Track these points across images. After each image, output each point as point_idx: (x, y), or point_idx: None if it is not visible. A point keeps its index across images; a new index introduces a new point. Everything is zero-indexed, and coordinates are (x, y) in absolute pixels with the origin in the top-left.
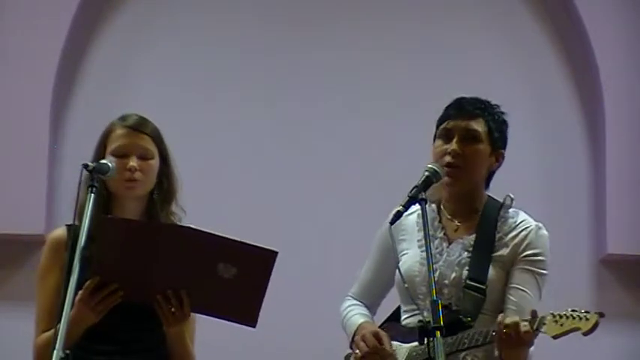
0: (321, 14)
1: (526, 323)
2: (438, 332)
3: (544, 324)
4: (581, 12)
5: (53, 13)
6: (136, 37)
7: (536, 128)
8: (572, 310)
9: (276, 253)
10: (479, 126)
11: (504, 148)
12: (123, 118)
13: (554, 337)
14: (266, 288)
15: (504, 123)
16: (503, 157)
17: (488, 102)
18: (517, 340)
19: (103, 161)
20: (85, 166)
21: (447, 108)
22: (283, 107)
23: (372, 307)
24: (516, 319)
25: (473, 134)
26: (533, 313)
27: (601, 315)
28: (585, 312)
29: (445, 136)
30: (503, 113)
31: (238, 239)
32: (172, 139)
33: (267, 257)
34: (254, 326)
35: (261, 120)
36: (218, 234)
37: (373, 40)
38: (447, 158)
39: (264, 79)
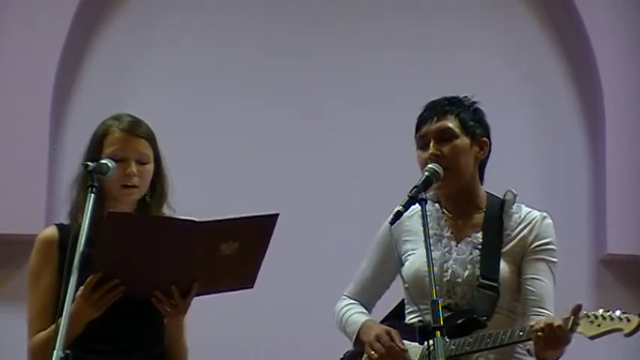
0: (321, 14)
1: (560, 322)
2: (438, 332)
3: (577, 324)
4: (581, 12)
5: (53, 13)
6: (136, 37)
7: (536, 128)
8: (605, 311)
9: (277, 215)
10: (450, 122)
11: (487, 135)
12: (118, 120)
13: (592, 338)
14: (266, 249)
15: (477, 111)
16: (488, 145)
17: (456, 97)
18: (554, 341)
19: (104, 161)
20: (85, 166)
21: (419, 116)
22: (283, 107)
23: (368, 306)
24: (550, 320)
25: (446, 132)
26: (576, 309)
27: None
28: (624, 313)
29: (422, 143)
30: (474, 103)
31: (238, 216)
32: (172, 139)
33: (268, 222)
34: (251, 287)
35: (261, 120)
36: (217, 219)
37: (374, 40)
38: (429, 164)
39: (265, 80)
